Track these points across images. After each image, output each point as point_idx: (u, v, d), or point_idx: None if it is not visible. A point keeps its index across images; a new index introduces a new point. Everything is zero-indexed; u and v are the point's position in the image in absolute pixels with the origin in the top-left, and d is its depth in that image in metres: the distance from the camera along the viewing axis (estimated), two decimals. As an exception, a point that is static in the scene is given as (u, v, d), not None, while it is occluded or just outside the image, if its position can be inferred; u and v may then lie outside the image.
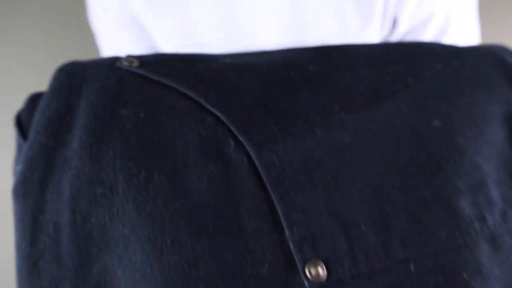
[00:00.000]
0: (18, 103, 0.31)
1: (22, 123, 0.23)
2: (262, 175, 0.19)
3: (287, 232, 0.18)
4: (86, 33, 0.82)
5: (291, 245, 0.18)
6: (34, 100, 0.23)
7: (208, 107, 0.20)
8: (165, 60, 0.23)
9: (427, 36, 0.43)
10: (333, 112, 0.20)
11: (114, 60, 0.23)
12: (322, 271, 0.18)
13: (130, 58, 0.23)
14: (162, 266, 0.18)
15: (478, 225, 0.19)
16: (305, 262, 0.18)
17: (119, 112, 0.20)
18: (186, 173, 0.19)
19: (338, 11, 0.38)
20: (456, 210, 0.19)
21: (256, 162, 0.19)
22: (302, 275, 0.18)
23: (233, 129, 0.20)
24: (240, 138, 0.19)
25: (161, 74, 0.22)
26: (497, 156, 0.21)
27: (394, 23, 0.41)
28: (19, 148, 0.22)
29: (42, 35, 1.12)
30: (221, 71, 0.22)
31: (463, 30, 0.45)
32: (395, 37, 0.43)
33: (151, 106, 0.20)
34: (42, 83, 0.31)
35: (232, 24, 0.40)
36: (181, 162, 0.19)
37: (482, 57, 0.24)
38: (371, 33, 0.40)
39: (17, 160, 0.22)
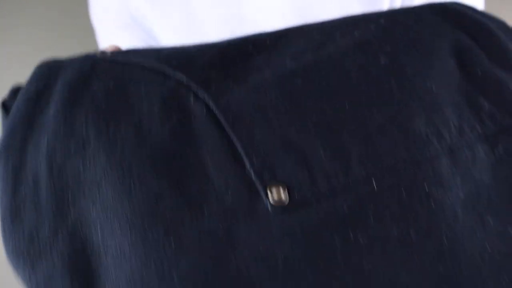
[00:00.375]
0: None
1: (6, 108, 0.25)
2: (220, 119, 0.21)
3: (247, 163, 0.20)
4: (88, 33, 0.82)
5: (252, 174, 0.20)
6: (17, 90, 0.26)
7: (171, 72, 0.23)
8: (134, 49, 0.26)
9: None
10: (285, 65, 0.22)
11: (90, 55, 0.26)
12: (283, 194, 0.19)
13: (104, 52, 0.26)
14: (131, 202, 0.20)
15: (436, 140, 0.20)
16: (266, 187, 0.19)
17: (91, 86, 0.23)
18: (150, 125, 0.22)
19: (343, 10, 0.38)
20: (412, 129, 0.20)
21: (214, 108, 0.21)
22: (264, 198, 0.19)
23: (193, 86, 0.22)
24: (199, 92, 0.22)
25: (129, 56, 0.25)
26: (448, 81, 0.22)
27: None
28: (2, 127, 0.25)
29: (42, 34, 1.12)
30: (183, 49, 0.25)
31: None
32: None
33: (119, 79, 0.23)
34: (42, 83, 0.32)
35: (236, 21, 0.40)
36: (147, 117, 0.22)
37: (427, 9, 0.25)
38: None
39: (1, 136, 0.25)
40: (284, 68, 0.22)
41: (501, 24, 0.26)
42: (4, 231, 0.22)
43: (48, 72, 0.25)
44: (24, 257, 0.21)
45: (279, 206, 0.19)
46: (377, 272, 0.19)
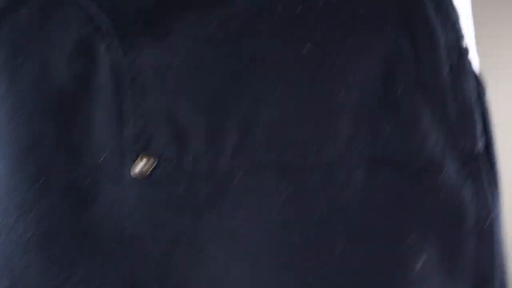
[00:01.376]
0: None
1: None
2: (119, 76, 0.21)
3: (125, 128, 0.20)
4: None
5: (126, 140, 0.20)
6: None
7: (95, 13, 0.22)
8: None
9: None
10: (208, 30, 0.21)
11: None
12: (147, 166, 0.20)
13: None
14: (15, 134, 0.21)
15: (315, 151, 0.21)
16: (136, 155, 0.20)
17: (23, 10, 0.23)
18: (56, 65, 0.21)
19: None
20: (297, 133, 0.21)
21: (118, 64, 0.21)
22: (129, 167, 0.20)
23: (109, 34, 0.21)
24: (112, 43, 0.21)
25: None
26: (363, 90, 0.21)
27: None
28: None
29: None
30: None
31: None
32: None
33: (47, 11, 0.22)
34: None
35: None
36: (56, 57, 0.21)
37: None
38: None
39: None
40: (205, 34, 0.21)
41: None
42: None
43: None
44: None
45: (140, 178, 0.20)
46: (217, 262, 0.20)
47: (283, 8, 0.21)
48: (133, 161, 0.20)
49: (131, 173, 0.20)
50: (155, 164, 0.20)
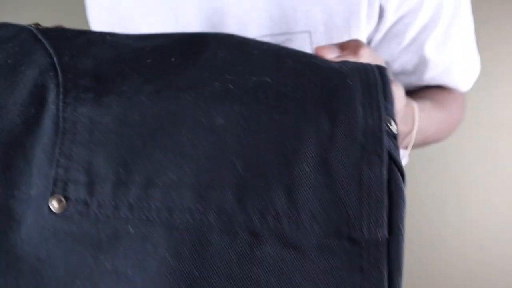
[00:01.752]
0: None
1: None
2: (58, 125, 0.24)
3: (53, 169, 0.24)
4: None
5: (52, 179, 0.24)
6: None
7: (57, 64, 0.25)
8: (66, 30, 0.29)
9: (416, 28, 0.42)
10: (134, 102, 0.25)
11: (26, 26, 0.29)
12: (63, 204, 0.23)
13: (38, 24, 0.29)
14: None
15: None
16: (56, 194, 0.23)
17: (5, 46, 0.26)
18: (12, 108, 0.24)
19: (322, 0, 0.39)
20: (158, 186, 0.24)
21: (58, 114, 0.24)
22: (47, 203, 0.23)
23: (61, 85, 0.25)
24: (59, 93, 0.25)
25: (44, 34, 0.27)
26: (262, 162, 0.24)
27: (381, 12, 0.40)
28: None
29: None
30: (91, 43, 0.28)
31: (456, 26, 0.44)
32: (382, 28, 0.42)
33: (20, 54, 0.26)
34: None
35: (219, 15, 0.40)
36: (13, 99, 0.24)
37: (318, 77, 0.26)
38: (357, 23, 0.40)
39: None
40: (138, 99, 0.25)
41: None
42: None
43: None
44: None
45: (56, 212, 0.23)
46: None
47: (214, 84, 0.25)
48: (53, 197, 0.23)
49: (50, 207, 0.23)
50: (68, 203, 0.23)
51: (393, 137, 0.25)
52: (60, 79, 0.25)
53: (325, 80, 0.26)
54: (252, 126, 0.24)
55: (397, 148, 0.25)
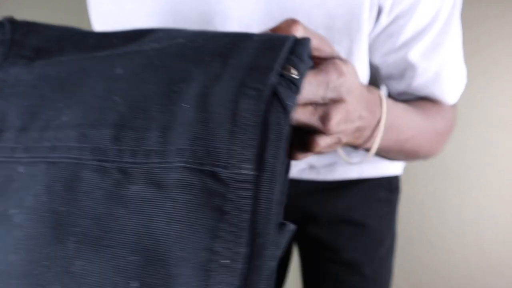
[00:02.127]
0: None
1: None
2: None
3: None
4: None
5: None
6: None
7: (8, 41, 0.30)
8: (37, 22, 0.31)
9: (410, 31, 0.41)
10: (66, 58, 0.28)
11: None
12: None
13: (10, 17, 0.32)
14: None
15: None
16: None
17: None
18: None
19: (322, 1, 0.38)
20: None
21: None
22: None
23: (5, 54, 0.29)
24: (2, 61, 0.29)
25: (10, 22, 0.30)
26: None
27: (379, 12, 0.40)
28: None
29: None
30: (48, 29, 0.31)
31: (447, 34, 0.43)
32: (377, 28, 0.41)
33: None
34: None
35: (220, 19, 0.40)
36: None
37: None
38: (358, 26, 0.39)
39: None
40: (57, 60, 0.28)
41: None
42: None
43: None
44: None
45: None
46: None
47: (131, 48, 0.27)
48: None
49: None
50: None
51: (291, 82, 0.24)
52: (6, 50, 0.29)
53: (232, 37, 0.26)
54: (145, 72, 0.25)
55: (293, 92, 0.24)
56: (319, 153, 0.32)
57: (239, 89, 0.23)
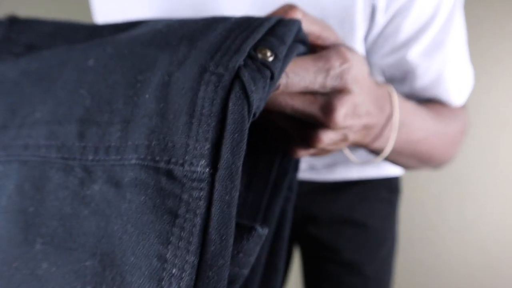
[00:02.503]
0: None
1: None
2: None
3: None
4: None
5: None
6: None
7: (3, 38, 0.31)
8: (37, 18, 0.31)
9: (407, 30, 0.40)
10: (47, 50, 0.28)
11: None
12: None
13: (11, 15, 0.32)
14: None
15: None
16: None
17: None
18: None
19: (316, 1, 0.37)
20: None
21: None
22: None
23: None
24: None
25: (10, 19, 0.31)
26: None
27: (373, 12, 0.39)
28: None
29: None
30: (42, 24, 0.31)
31: (448, 33, 0.41)
32: (375, 29, 0.40)
33: None
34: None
35: (213, 13, 0.40)
36: None
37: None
38: (352, 25, 0.39)
39: None
40: (40, 53, 0.28)
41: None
42: None
43: None
44: None
45: None
46: None
47: (111, 39, 0.26)
48: None
49: None
50: None
51: (264, 65, 0.21)
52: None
53: (209, 20, 0.24)
54: (114, 62, 0.23)
55: (264, 77, 0.21)
56: (323, 151, 0.29)
57: (200, 75, 0.20)
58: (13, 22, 0.31)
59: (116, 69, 0.23)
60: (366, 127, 0.30)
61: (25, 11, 1.13)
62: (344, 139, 0.29)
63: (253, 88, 0.20)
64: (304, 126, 0.28)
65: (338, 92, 0.26)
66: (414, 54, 0.42)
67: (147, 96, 0.21)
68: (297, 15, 0.26)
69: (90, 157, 0.22)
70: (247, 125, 0.20)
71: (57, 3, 1.12)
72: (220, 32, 0.22)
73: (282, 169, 0.32)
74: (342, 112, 0.26)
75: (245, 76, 0.20)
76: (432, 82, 0.44)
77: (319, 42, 0.27)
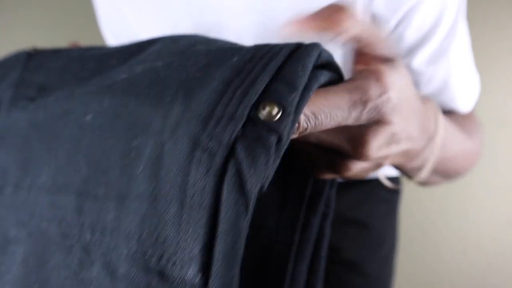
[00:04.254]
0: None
1: None
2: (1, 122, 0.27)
3: None
4: (88, 32, 0.82)
5: None
6: None
7: (18, 81, 0.29)
8: (53, 49, 0.30)
9: (412, 34, 0.40)
10: (53, 97, 0.26)
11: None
12: None
13: (35, 48, 0.31)
14: None
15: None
16: None
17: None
18: None
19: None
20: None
21: (6, 114, 0.27)
22: None
23: (12, 96, 0.28)
24: (9, 98, 0.28)
25: (29, 55, 0.30)
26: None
27: (373, 20, 0.39)
28: None
29: (42, 33, 1.12)
30: (55, 57, 0.29)
31: (452, 40, 0.41)
32: None
33: (5, 71, 0.29)
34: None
35: (217, 31, 0.40)
36: None
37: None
38: None
39: None
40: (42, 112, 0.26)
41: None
42: None
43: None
44: None
45: None
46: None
47: (117, 77, 0.25)
48: None
49: None
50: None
51: (267, 129, 0.17)
52: (14, 92, 0.28)
53: (208, 61, 0.21)
54: (107, 122, 0.21)
55: (266, 146, 0.17)
56: (352, 177, 0.26)
57: (191, 151, 0.17)
58: (31, 57, 0.29)
59: (110, 130, 0.21)
60: (405, 154, 0.27)
61: (25, 11, 1.13)
62: (378, 166, 0.26)
63: (252, 170, 0.16)
64: (331, 152, 0.25)
65: (374, 123, 0.23)
66: (418, 62, 0.41)
67: (141, 168, 0.19)
68: (345, 18, 0.22)
69: (88, 237, 0.20)
70: (245, 223, 0.17)
71: (57, 3, 1.12)
72: (216, 86, 0.19)
73: (318, 184, 0.29)
74: (375, 145, 0.23)
75: (241, 155, 0.17)
76: (438, 89, 0.44)
77: (367, 50, 0.24)
